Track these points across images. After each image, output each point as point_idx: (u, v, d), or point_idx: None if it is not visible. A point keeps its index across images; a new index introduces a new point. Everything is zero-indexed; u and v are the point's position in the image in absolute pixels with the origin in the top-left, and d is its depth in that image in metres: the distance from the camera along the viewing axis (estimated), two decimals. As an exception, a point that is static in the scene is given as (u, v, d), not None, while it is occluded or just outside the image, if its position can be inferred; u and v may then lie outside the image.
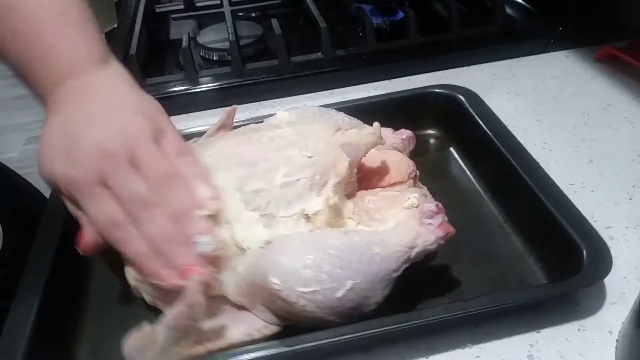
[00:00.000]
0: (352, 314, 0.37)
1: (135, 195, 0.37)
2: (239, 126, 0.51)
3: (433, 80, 0.69)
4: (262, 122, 0.50)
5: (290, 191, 0.40)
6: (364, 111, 0.54)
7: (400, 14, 0.80)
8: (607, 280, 0.41)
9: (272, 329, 0.39)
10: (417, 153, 0.51)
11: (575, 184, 0.52)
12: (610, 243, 0.46)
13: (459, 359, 0.39)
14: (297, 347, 0.36)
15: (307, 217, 0.40)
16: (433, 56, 0.72)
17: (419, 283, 0.41)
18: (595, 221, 0.48)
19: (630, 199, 0.51)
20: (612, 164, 0.54)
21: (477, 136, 0.54)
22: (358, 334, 0.37)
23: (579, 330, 0.40)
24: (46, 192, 0.66)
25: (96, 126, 0.39)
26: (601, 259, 0.40)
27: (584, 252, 0.40)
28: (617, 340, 0.39)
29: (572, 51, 0.73)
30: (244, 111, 0.53)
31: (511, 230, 0.48)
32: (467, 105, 0.57)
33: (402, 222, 0.40)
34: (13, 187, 0.61)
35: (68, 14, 0.43)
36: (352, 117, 0.51)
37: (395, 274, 0.38)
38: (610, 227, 0.48)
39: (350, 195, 0.43)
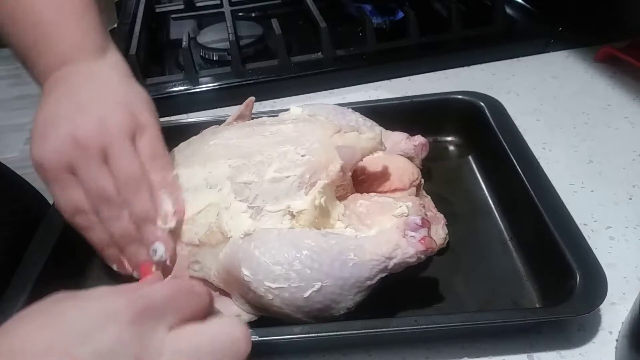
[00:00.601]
0: (320, 316, 0.37)
1: (102, 191, 0.39)
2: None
3: (433, 80, 0.69)
4: (276, 116, 0.51)
5: (279, 187, 0.40)
6: (385, 114, 0.53)
7: (400, 14, 0.80)
8: (608, 281, 0.41)
9: (245, 318, 0.40)
10: (436, 159, 0.50)
11: (575, 184, 0.52)
12: (610, 243, 0.46)
13: (459, 358, 0.39)
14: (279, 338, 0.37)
15: (292, 215, 0.40)
16: (433, 56, 0.72)
17: (410, 290, 0.41)
18: (595, 221, 0.48)
19: (630, 199, 0.51)
20: (612, 164, 0.54)
21: (494, 148, 0.52)
22: (354, 332, 0.37)
23: (578, 330, 0.40)
24: (45, 193, 0.66)
25: (75, 115, 0.39)
26: (594, 289, 0.38)
27: (578, 280, 0.39)
28: (617, 341, 0.39)
29: (572, 51, 0.73)
30: (244, 111, 0.53)
31: (514, 249, 0.47)
32: (488, 114, 0.55)
33: (384, 231, 0.39)
34: (11, 187, 0.60)
35: (68, 3, 0.43)
36: (366, 118, 0.51)
37: (369, 282, 0.37)
38: (610, 227, 0.48)
39: (342, 198, 0.43)
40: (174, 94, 0.68)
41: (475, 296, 0.43)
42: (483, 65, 0.72)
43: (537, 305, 0.42)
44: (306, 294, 0.36)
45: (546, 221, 0.43)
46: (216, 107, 0.68)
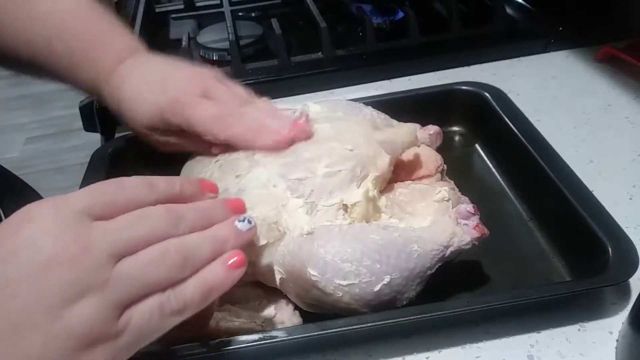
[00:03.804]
0: (384, 308, 0.38)
1: (237, 96, 0.46)
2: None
3: (433, 80, 0.69)
4: None
5: (332, 181, 0.41)
6: (390, 107, 0.54)
7: (400, 14, 0.80)
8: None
9: (295, 321, 0.40)
10: (443, 149, 0.51)
11: (575, 184, 0.52)
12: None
13: (458, 358, 0.39)
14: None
15: (346, 208, 0.40)
16: (433, 56, 0.72)
17: (443, 280, 0.41)
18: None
19: (630, 199, 0.51)
20: (612, 164, 0.54)
21: (504, 134, 0.54)
22: (355, 327, 0.37)
23: (579, 330, 0.40)
24: (44, 194, 0.66)
25: (179, 68, 0.48)
26: (628, 258, 0.40)
27: (610, 251, 0.40)
28: (617, 341, 0.39)
29: (573, 51, 0.73)
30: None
31: (536, 229, 0.49)
32: (493, 102, 0.57)
33: (438, 220, 0.40)
34: (10, 189, 0.60)
35: (106, 15, 0.50)
36: (379, 112, 0.52)
37: (430, 272, 0.39)
38: (611, 227, 0.48)
39: (382, 190, 0.44)
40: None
41: (506, 276, 0.45)
42: (483, 65, 0.72)
43: (568, 280, 0.44)
44: (376, 288, 0.37)
45: (569, 199, 0.45)
46: (216, 107, 0.68)
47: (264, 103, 0.48)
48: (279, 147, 0.43)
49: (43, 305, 0.27)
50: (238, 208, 0.36)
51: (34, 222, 0.28)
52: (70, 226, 0.28)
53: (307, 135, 0.43)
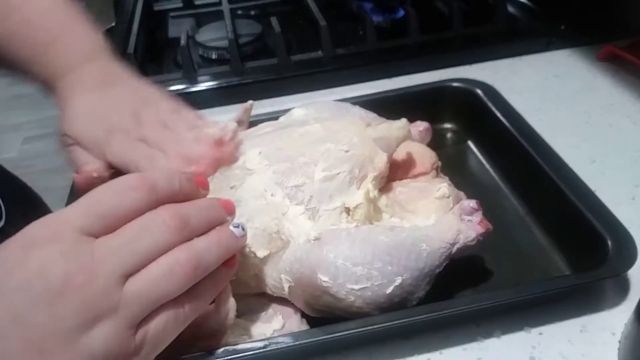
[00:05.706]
0: (395, 310, 0.38)
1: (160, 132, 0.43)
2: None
3: (434, 79, 0.69)
4: (276, 118, 0.50)
5: (331, 185, 0.40)
6: (382, 105, 0.54)
7: (401, 12, 0.80)
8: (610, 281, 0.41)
9: (303, 329, 0.40)
10: (435, 147, 0.51)
11: (577, 184, 0.52)
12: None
13: (460, 359, 0.39)
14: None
15: (348, 211, 0.40)
16: (434, 55, 0.72)
17: (443, 278, 0.40)
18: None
19: (632, 198, 0.50)
20: (614, 164, 0.54)
21: (496, 130, 0.54)
22: (358, 330, 0.37)
23: (581, 331, 0.40)
24: (42, 194, 0.65)
25: (123, 99, 0.45)
26: (626, 250, 0.40)
27: (609, 243, 0.40)
28: (619, 342, 0.39)
29: (574, 50, 0.72)
30: (243, 110, 0.53)
31: (533, 224, 0.49)
32: (485, 99, 0.57)
33: (442, 218, 0.40)
34: (11, 188, 0.60)
35: (77, 15, 0.49)
36: (368, 111, 0.51)
37: (438, 270, 0.39)
38: (613, 227, 0.47)
39: (381, 188, 0.43)
40: (172, 93, 0.68)
41: (505, 273, 0.45)
42: (484, 64, 0.71)
43: (568, 274, 0.44)
44: (389, 290, 0.37)
45: (565, 192, 0.45)
46: (215, 107, 0.67)
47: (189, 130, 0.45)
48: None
49: (61, 332, 0.27)
50: (230, 208, 0.36)
51: (37, 250, 0.28)
52: (73, 252, 0.28)
53: (231, 160, 0.42)
